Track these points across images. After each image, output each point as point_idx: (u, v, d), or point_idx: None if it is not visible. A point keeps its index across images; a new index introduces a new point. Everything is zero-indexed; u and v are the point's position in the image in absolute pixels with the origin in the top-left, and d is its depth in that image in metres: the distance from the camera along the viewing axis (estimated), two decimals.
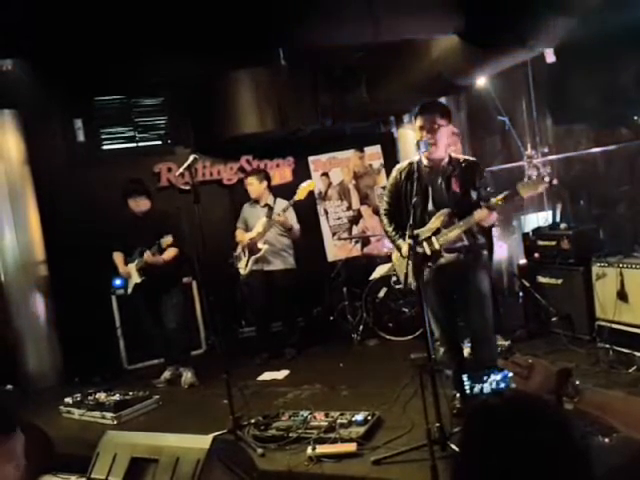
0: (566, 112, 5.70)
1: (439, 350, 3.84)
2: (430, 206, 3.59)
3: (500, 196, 3.37)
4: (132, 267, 5.30)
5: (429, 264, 3.57)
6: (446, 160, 3.62)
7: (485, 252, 3.80)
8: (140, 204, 5.26)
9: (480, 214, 3.39)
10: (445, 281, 3.64)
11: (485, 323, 3.70)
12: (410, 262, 3.47)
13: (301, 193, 5.50)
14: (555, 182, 3.37)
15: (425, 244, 3.53)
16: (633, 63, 4.87)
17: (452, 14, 4.39)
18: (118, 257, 5.42)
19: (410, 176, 3.63)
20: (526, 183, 3.29)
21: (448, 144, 3.69)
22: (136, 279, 5.29)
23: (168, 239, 4.96)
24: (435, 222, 3.54)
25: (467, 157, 3.74)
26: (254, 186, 5.77)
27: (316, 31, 4.53)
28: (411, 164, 3.68)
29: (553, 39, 4.19)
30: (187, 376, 5.30)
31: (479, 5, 4.19)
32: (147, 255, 5.07)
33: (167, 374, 5.47)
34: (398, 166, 3.81)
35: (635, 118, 5.01)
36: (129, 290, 5.43)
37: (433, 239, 3.53)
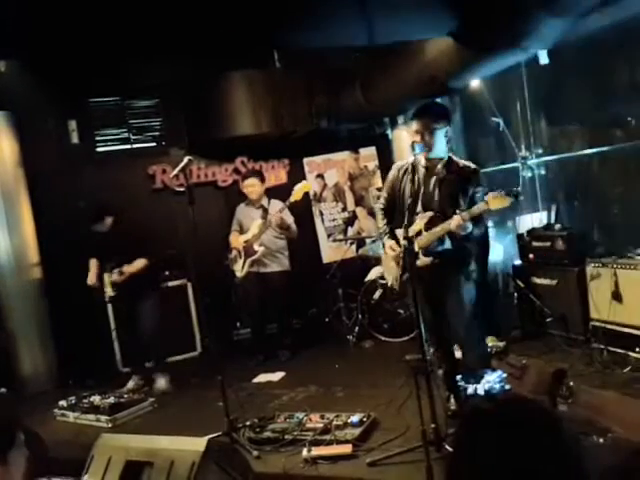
0: (560, 113, 5.71)
1: (428, 349, 3.83)
2: (419, 208, 3.59)
3: (474, 209, 3.34)
4: (107, 278, 5.20)
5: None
6: (444, 163, 3.60)
7: (471, 258, 3.71)
8: (105, 224, 5.19)
9: (456, 221, 3.33)
10: (429, 283, 3.61)
11: (467, 329, 3.65)
12: (400, 262, 3.49)
13: (297, 194, 5.43)
14: (522, 198, 3.36)
15: None
16: (627, 64, 4.89)
17: (446, 16, 4.40)
18: (93, 264, 5.31)
19: (407, 175, 3.64)
20: (495, 196, 3.23)
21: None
22: (110, 292, 5.20)
23: (137, 264, 5.06)
24: (419, 224, 3.54)
25: (467, 163, 3.67)
26: (256, 187, 5.74)
27: (310, 33, 4.53)
28: (411, 163, 3.66)
29: (547, 41, 4.20)
30: (160, 382, 5.19)
31: (473, 7, 4.20)
32: (114, 277, 5.11)
33: (131, 384, 5.27)
34: (398, 164, 3.81)
35: (629, 119, 5.03)
36: (106, 299, 5.31)
37: (414, 240, 3.53)
